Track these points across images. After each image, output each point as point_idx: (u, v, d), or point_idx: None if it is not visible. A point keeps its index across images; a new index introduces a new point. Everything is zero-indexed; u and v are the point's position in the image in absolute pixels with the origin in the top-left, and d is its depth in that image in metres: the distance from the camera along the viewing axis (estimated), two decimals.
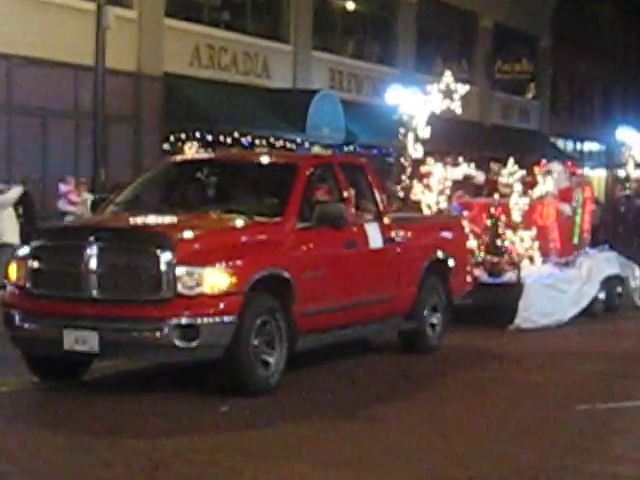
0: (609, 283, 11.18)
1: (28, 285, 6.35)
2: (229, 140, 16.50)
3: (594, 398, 6.76)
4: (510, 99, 28.41)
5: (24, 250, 6.58)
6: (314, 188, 7.27)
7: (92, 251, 6.13)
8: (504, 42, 26.80)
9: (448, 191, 10.76)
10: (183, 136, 16.41)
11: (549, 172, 10.72)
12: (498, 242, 10.26)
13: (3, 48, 13.88)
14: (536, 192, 10.69)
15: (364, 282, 7.48)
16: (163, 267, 6.02)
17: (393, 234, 7.85)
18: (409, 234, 8.08)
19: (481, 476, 4.94)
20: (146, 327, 6.00)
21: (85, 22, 13.68)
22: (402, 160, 11.55)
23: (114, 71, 13.88)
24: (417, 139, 11.42)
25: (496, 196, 10.68)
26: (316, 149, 18.26)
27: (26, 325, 6.29)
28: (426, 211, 10.51)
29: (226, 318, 6.11)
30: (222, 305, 6.10)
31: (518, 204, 10.43)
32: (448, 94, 11.51)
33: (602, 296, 11.07)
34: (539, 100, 30.14)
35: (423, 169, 10.93)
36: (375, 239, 7.60)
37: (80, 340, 6.06)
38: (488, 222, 10.37)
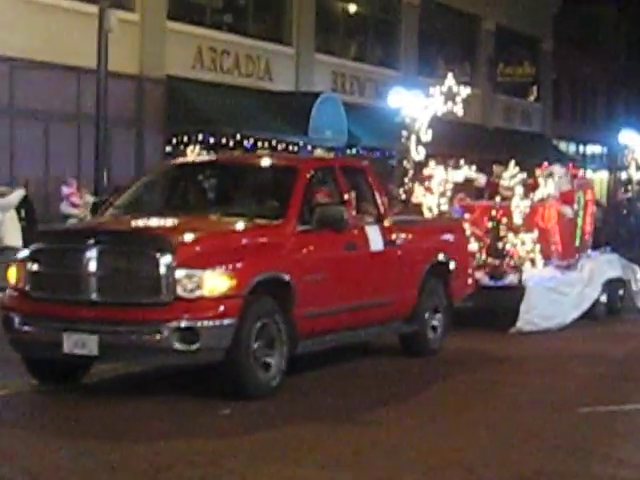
0: (611, 286, 11.14)
1: (27, 288, 6.35)
2: (231, 143, 16.51)
3: (596, 401, 6.74)
4: (512, 102, 28.40)
5: (23, 253, 6.59)
6: (314, 191, 7.25)
7: (91, 254, 6.12)
8: (506, 45, 26.81)
9: (449, 194, 10.75)
10: (185, 139, 16.44)
11: (551, 175, 10.69)
12: (499, 245, 10.23)
13: (6, 51, 13.92)
14: (537, 195, 10.67)
15: (365, 285, 7.46)
16: (163, 270, 6.02)
17: (394, 237, 7.83)
18: (410, 237, 8.06)
19: (483, 479, 4.92)
20: (146, 330, 6.00)
21: (87, 25, 13.71)
22: (404, 163, 11.55)
23: (116, 74, 13.92)
24: (419, 142, 11.42)
25: (497, 199, 10.66)
26: (318, 152, 18.27)
27: (25, 328, 6.29)
28: (427, 214, 10.50)
29: (226, 321, 6.10)
30: (222, 308, 6.09)
31: (519, 207, 10.41)
32: (450, 97, 11.52)
33: (604, 299, 11.03)
34: (541, 103, 30.14)
35: (424, 172, 10.92)
36: (376, 242, 7.58)
37: (79, 343, 6.06)
38: (489, 225, 10.35)
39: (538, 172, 10.93)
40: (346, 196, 7.41)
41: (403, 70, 22.69)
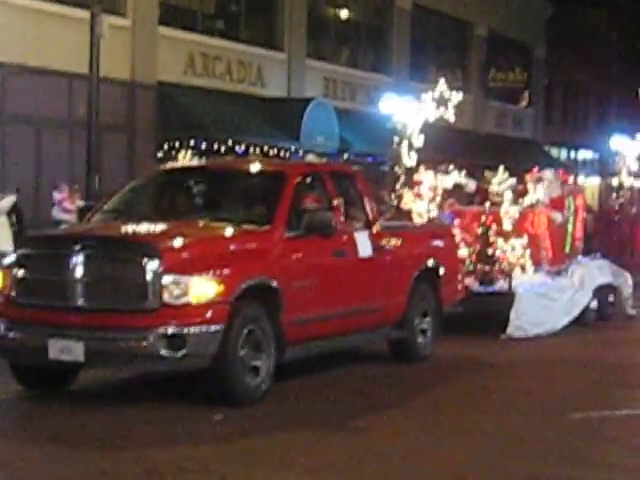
0: (601, 292, 11.16)
1: (13, 294, 6.33)
2: (223, 149, 16.49)
3: (589, 406, 6.75)
4: (504, 107, 28.48)
5: (9, 258, 6.55)
6: (303, 196, 7.23)
7: (78, 260, 6.10)
8: (498, 51, 26.89)
9: (439, 199, 10.76)
10: (177, 144, 16.40)
11: (540, 180, 10.72)
12: (489, 251, 10.25)
13: None
14: (527, 200, 10.69)
15: (353, 291, 7.45)
16: (149, 276, 6.00)
17: (383, 242, 7.83)
18: (399, 242, 8.06)
19: None
20: (132, 337, 5.98)
21: (79, 31, 13.68)
22: (396, 168, 11.55)
23: (108, 80, 13.89)
24: (411, 147, 11.43)
25: (487, 204, 10.67)
26: (310, 157, 18.26)
27: (11, 334, 6.25)
28: (417, 219, 10.50)
29: (213, 327, 6.09)
30: (209, 314, 6.08)
31: (509, 212, 10.42)
32: (442, 102, 11.53)
33: (594, 305, 11.05)
34: (533, 108, 30.22)
35: (414, 177, 10.93)
36: (365, 248, 7.58)
37: (65, 350, 6.03)
38: (479, 230, 10.36)
39: (528, 177, 10.96)
40: (335, 202, 7.41)
41: (395, 76, 22.72)
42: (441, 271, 8.49)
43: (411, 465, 5.21)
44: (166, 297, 6.01)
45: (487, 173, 11.59)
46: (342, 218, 7.47)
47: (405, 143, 11.48)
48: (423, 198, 10.68)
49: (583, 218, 11.88)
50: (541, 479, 5.02)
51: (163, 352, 5.95)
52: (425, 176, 10.80)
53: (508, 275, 10.15)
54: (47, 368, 6.38)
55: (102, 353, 6.03)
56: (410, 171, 11.28)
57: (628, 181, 18.58)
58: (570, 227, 11.27)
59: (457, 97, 11.68)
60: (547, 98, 31.21)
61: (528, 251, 10.46)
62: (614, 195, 18.82)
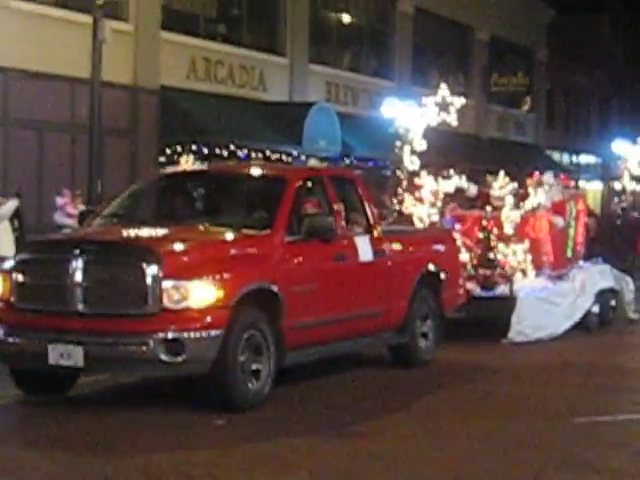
0: (603, 296, 11.12)
1: (13, 299, 6.33)
2: (225, 153, 16.51)
3: (589, 411, 6.73)
4: (506, 112, 28.48)
5: (9, 263, 6.56)
6: (303, 201, 7.22)
7: (77, 264, 6.10)
8: (500, 55, 26.90)
9: (440, 203, 10.75)
10: (179, 149, 16.42)
11: (540, 184, 10.70)
12: (491, 255, 10.23)
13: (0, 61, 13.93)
14: (528, 204, 10.67)
15: (354, 296, 7.44)
16: (149, 281, 5.99)
17: (384, 247, 7.82)
18: (400, 247, 8.05)
19: None
20: (132, 342, 5.97)
21: (81, 35, 13.70)
22: (398, 173, 11.55)
23: (110, 84, 13.92)
24: (413, 152, 11.42)
25: (489, 209, 10.66)
26: (312, 162, 18.27)
27: (11, 339, 6.25)
28: (418, 224, 10.49)
29: (213, 332, 6.08)
30: (209, 319, 6.07)
31: (510, 217, 10.41)
32: (444, 107, 11.53)
33: (596, 309, 11.02)
34: (535, 113, 30.23)
35: (415, 181, 10.93)
36: (365, 252, 7.57)
37: (65, 355, 6.02)
38: (481, 235, 10.35)
39: (529, 181, 10.95)
40: (335, 206, 7.39)
41: (397, 80, 22.73)
42: (442, 276, 8.47)
43: (413, 470, 5.21)
44: (166, 302, 6.00)
45: (489, 177, 11.57)
46: (342, 223, 7.46)
47: (407, 148, 11.47)
48: (424, 202, 10.67)
49: (585, 222, 11.86)
50: None
51: (163, 357, 5.94)
52: (426, 180, 10.79)
53: (509, 280, 10.13)
54: (47, 373, 6.37)
55: (102, 358, 6.02)
56: (412, 175, 11.29)
57: (630, 185, 18.57)
58: (572, 231, 11.25)
59: (459, 101, 11.68)
60: (549, 102, 31.23)
61: (529, 256, 10.44)
62: (616, 199, 18.81)
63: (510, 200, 10.47)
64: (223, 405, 6.25)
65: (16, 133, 14.40)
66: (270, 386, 6.50)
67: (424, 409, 6.77)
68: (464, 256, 9.85)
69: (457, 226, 10.37)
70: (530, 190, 10.73)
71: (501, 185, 10.52)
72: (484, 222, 10.39)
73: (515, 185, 10.71)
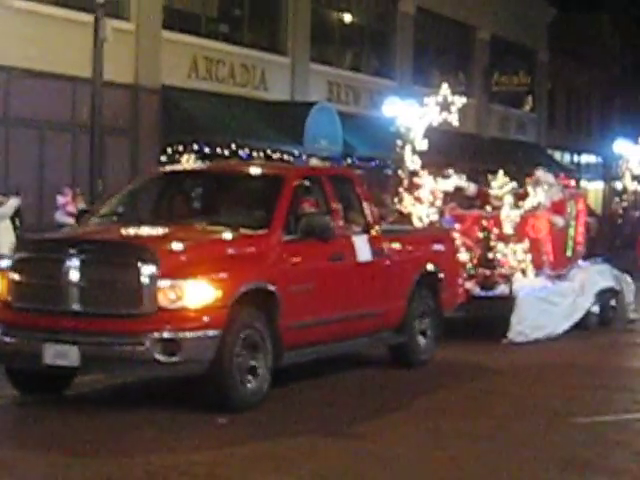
0: (603, 296, 11.11)
1: (9, 298, 6.31)
2: (226, 152, 16.51)
3: (592, 411, 6.73)
4: (507, 111, 28.46)
5: (5, 262, 6.54)
6: (301, 200, 7.19)
7: (73, 264, 6.08)
8: (501, 55, 26.87)
9: (439, 203, 10.73)
10: (180, 148, 16.42)
11: (537, 182, 10.68)
12: (490, 255, 10.21)
13: (1, 60, 13.93)
14: (527, 204, 10.65)
15: (352, 295, 7.42)
16: (145, 280, 5.98)
17: (382, 246, 7.79)
18: (399, 246, 8.03)
19: None
20: (127, 341, 5.95)
21: (83, 34, 13.70)
22: (399, 172, 11.53)
23: (112, 83, 13.92)
24: (414, 151, 11.41)
25: (488, 208, 10.64)
26: (314, 161, 18.27)
27: (6, 339, 6.24)
28: (417, 223, 10.47)
29: (210, 332, 6.06)
30: (206, 319, 6.06)
31: (510, 216, 10.39)
32: (445, 106, 11.50)
33: (596, 309, 11.01)
34: (536, 113, 30.19)
35: (414, 181, 10.92)
36: (363, 252, 7.55)
37: (60, 354, 6.01)
38: (480, 235, 10.33)
39: (528, 181, 10.92)
40: (333, 205, 7.38)
41: (398, 80, 22.72)
42: (441, 275, 8.45)
43: (413, 469, 5.21)
44: (162, 301, 5.99)
45: (490, 177, 11.54)
46: (340, 222, 7.44)
47: (408, 147, 11.45)
48: (423, 202, 10.65)
49: (585, 222, 11.83)
50: None
51: (159, 357, 5.92)
52: (425, 180, 10.78)
53: (509, 279, 10.11)
54: (43, 373, 6.36)
55: (97, 358, 6.00)
56: (413, 175, 11.27)
57: (631, 185, 18.53)
58: (571, 231, 11.22)
59: (460, 101, 11.65)
60: (550, 102, 31.20)
61: (529, 255, 10.42)
62: (617, 199, 18.78)
63: (509, 199, 10.44)
64: (220, 405, 6.23)
65: (17, 132, 14.42)
66: (268, 386, 6.49)
67: (424, 409, 6.76)
68: (464, 256, 9.83)
69: (457, 226, 10.35)
70: (530, 189, 10.70)
71: (500, 184, 10.49)
72: (484, 222, 10.37)
73: (514, 184, 10.68)
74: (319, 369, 7.62)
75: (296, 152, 17.82)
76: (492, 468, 5.26)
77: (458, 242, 9.53)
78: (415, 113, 11.55)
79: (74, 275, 6.08)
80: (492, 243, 10.24)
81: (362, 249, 7.55)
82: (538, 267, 10.56)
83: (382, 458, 5.38)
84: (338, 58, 21.59)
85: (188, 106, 16.64)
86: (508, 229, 10.34)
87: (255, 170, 7.88)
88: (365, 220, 7.78)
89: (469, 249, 10.17)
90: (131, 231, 6.76)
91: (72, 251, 6.13)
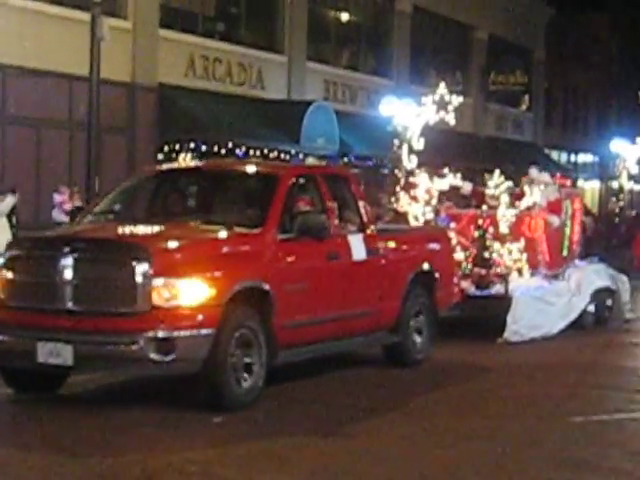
0: (599, 295, 11.11)
1: (2, 296, 6.30)
2: (223, 151, 16.50)
3: (586, 410, 6.73)
4: (504, 111, 28.48)
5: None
6: (296, 199, 7.19)
7: (67, 262, 6.06)
8: (498, 54, 26.90)
9: (434, 202, 10.73)
10: (177, 147, 16.42)
11: (532, 181, 10.68)
12: (486, 254, 10.20)
13: None
14: (523, 203, 10.65)
15: (347, 295, 7.41)
16: (139, 279, 5.96)
17: (377, 246, 7.78)
18: (394, 246, 8.02)
19: None
20: (121, 340, 5.94)
21: (80, 33, 13.70)
22: (396, 171, 11.53)
23: (108, 82, 13.91)
24: (411, 150, 11.41)
25: (484, 207, 10.64)
26: (310, 160, 18.27)
27: (0, 337, 6.22)
28: (413, 222, 10.47)
29: (204, 331, 6.05)
30: (200, 318, 6.04)
31: (506, 216, 10.39)
32: (442, 105, 11.50)
33: (592, 309, 11.01)
34: (533, 112, 30.22)
35: (409, 180, 10.92)
36: (358, 251, 7.53)
37: (54, 353, 5.99)
38: (476, 234, 10.32)
39: (524, 180, 10.93)
40: (328, 204, 7.35)
41: (395, 79, 22.72)
42: (436, 274, 8.44)
43: (409, 469, 5.20)
44: (156, 300, 5.97)
45: (487, 176, 11.55)
46: (336, 221, 7.42)
47: (405, 146, 11.45)
48: (418, 201, 10.65)
49: (581, 221, 11.82)
50: None
51: (153, 356, 5.90)
52: (421, 179, 10.77)
53: (505, 279, 10.10)
54: (36, 371, 6.34)
55: (91, 356, 5.98)
56: (410, 174, 11.27)
57: (628, 184, 18.55)
58: (567, 230, 11.22)
59: (457, 100, 11.66)
60: (547, 101, 31.24)
61: (525, 255, 10.42)
62: (613, 198, 18.80)
63: (505, 199, 10.44)
64: (215, 404, 6.22)
65: (14, 130, 14.41)
66: (262, 385, 6.47)
67: (420, 408, 6.75)
68: (459, 255, 9.82)
69: (452, 225, 10.35)
70: (526, 189, 10.70)
71: (496, 184, 10.49)
72: (479, 221, 10.37)
73: (510, 184, 10.68)
74: (314, 368, 7.62)
75: (293, 151, 17.83)
76: (488, 467, 5.26)
77: (454, 241, 9.52)
78: (412, 112, 11.55)
79: (68, 273, 6.07)
80: (488, 242, 10.23)
81: (357, 248, 7.53)
82: (534, 266, 10.56)
83: (377, 457, 5.38)
84: (335, 57, 21.60)
85: (185, 104, 16.64)
86: (504, 228, 10.34)
87: (250, 168, 7.86)
88: (360, 219, 7.77)
89: (465, 248, 10.16)
90: (125, 229, 6.74)
91: (66, 249, 6.11)
